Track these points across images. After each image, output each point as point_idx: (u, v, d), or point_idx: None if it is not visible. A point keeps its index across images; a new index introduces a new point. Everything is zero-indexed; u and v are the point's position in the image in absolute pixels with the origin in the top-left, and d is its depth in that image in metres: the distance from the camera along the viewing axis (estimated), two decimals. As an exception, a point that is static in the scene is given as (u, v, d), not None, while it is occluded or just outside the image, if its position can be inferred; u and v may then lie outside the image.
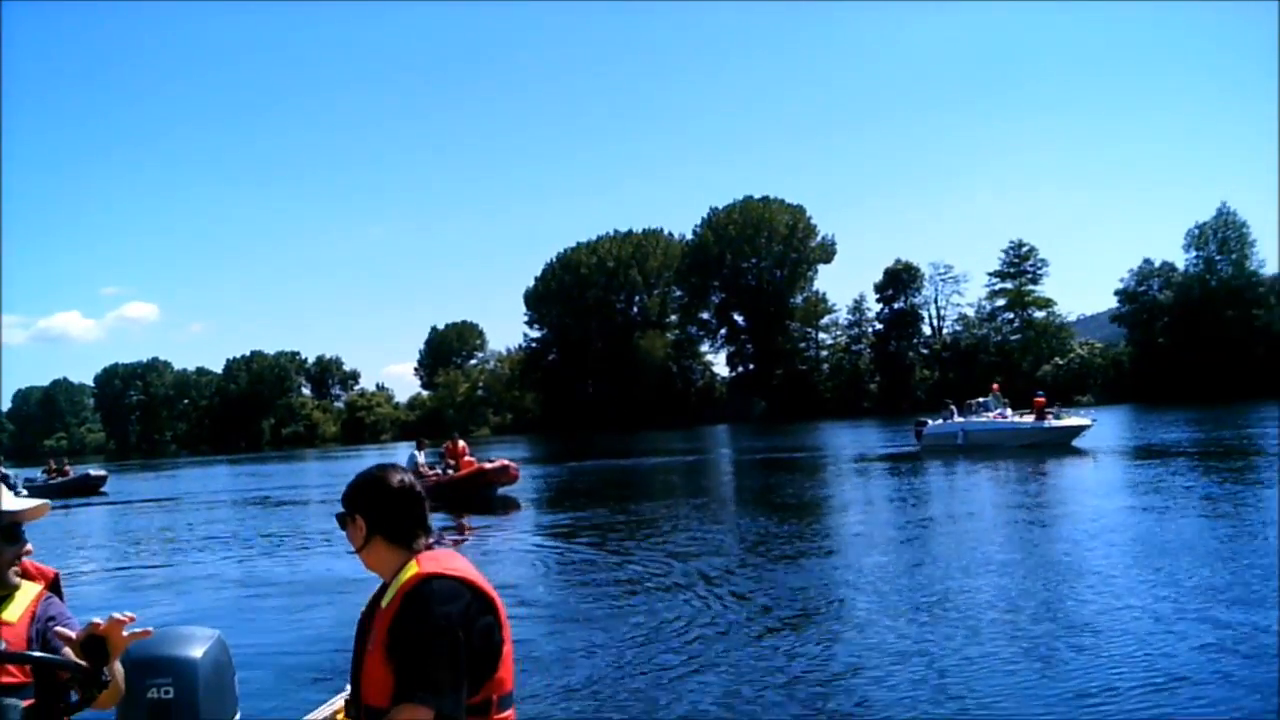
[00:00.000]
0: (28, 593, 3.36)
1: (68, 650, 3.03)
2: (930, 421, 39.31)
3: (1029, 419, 36.35)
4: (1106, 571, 12.23)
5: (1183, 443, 34.05)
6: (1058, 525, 16.79)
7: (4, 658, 3.05)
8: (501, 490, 28.94)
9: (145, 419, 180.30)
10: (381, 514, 3.18)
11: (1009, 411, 37.76)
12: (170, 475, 66.76)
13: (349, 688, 3.34)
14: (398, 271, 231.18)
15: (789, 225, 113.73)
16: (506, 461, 29.38)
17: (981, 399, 39.48)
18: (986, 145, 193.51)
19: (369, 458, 33.25)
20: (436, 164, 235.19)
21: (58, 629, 3.09)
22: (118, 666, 3.10)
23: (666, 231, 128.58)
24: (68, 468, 50.44)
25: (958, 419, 38.28)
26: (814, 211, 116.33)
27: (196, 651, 4.41)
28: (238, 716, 4.60)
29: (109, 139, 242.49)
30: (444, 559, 3.10)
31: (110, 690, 3.06)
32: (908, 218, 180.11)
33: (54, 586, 3.58)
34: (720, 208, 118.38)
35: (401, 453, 32.50)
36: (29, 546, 3.38)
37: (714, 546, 16.67)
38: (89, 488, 46.26)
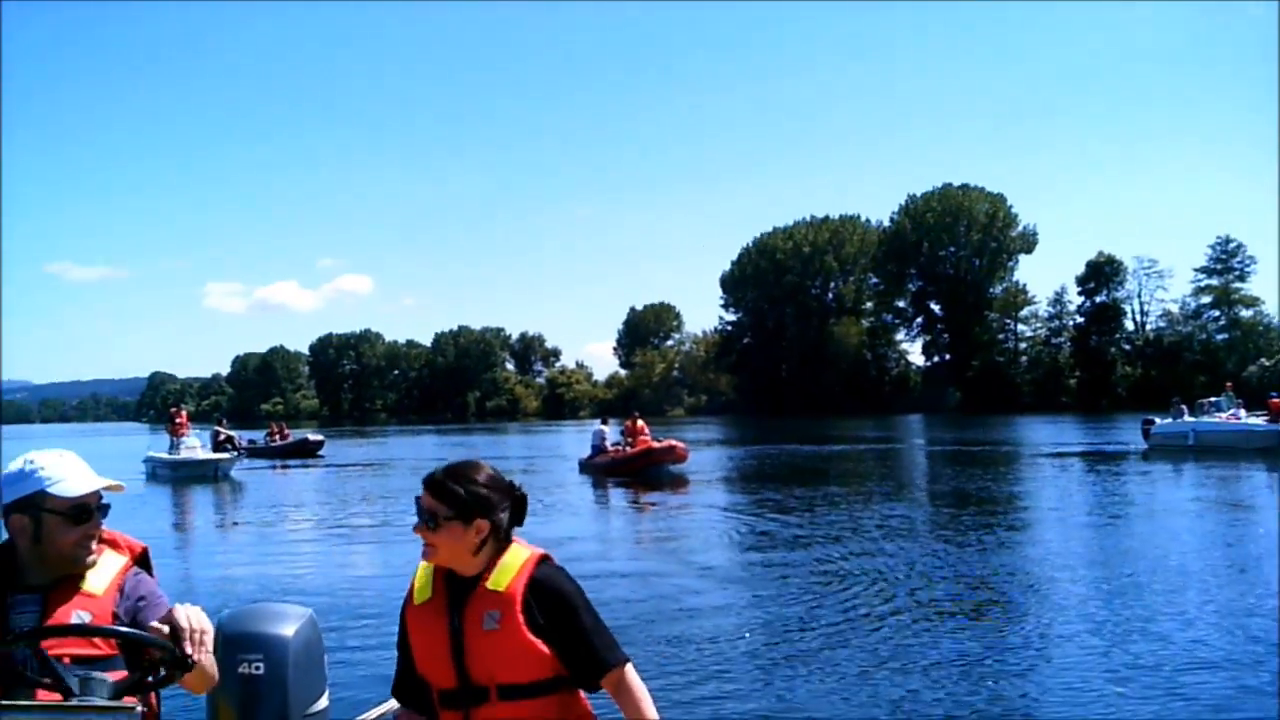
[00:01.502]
0: (112, 565, 3.29)
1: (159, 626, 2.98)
2: (1158, 420, 36.77)
3: (1263, 420, 33.38)
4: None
5: None
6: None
7: (91, 631, 2.98)
8: (674, 468, 29.43)
9: (357, 387, 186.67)
10: (506, 516, 3.20)
11: (1243, 412, 34.81)
12: (380, 442, 69.01)
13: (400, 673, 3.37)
14: (602, 252, 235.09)
15: (988, 214, 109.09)
16: (674, 442, 30.10)
17: (1214, 398, 36.36)
18: (1192, 136, 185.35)
19: (568, 433, 34.03)
20: (646, 146, 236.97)
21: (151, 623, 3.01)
22: (209, 656, 3.02)
23: (863, 218, 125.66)
24: (288, 431, 52.62)
25: (1188, 418, 35.47)
26: (1015, 200, 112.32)
27: (288, 630, 4.45)
28: (326, 693, 4.59)
29: (328, 114, 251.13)
30: (525, 542, 3.26)
31: (199, 675, 2.99)
32: (1111, 209, 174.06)
33: (143, 561, 3.45)
34: (918, 195, 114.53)
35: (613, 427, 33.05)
36: (101, 526, 3.25)
37: (891, 536, 15.53)
38: (307, 451, 48.03)
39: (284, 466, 41.65)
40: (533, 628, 3.03)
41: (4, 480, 3.18)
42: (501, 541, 3.19)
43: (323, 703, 4.51)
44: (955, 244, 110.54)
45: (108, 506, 3.27)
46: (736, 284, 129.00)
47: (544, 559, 3.18)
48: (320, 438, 51.35)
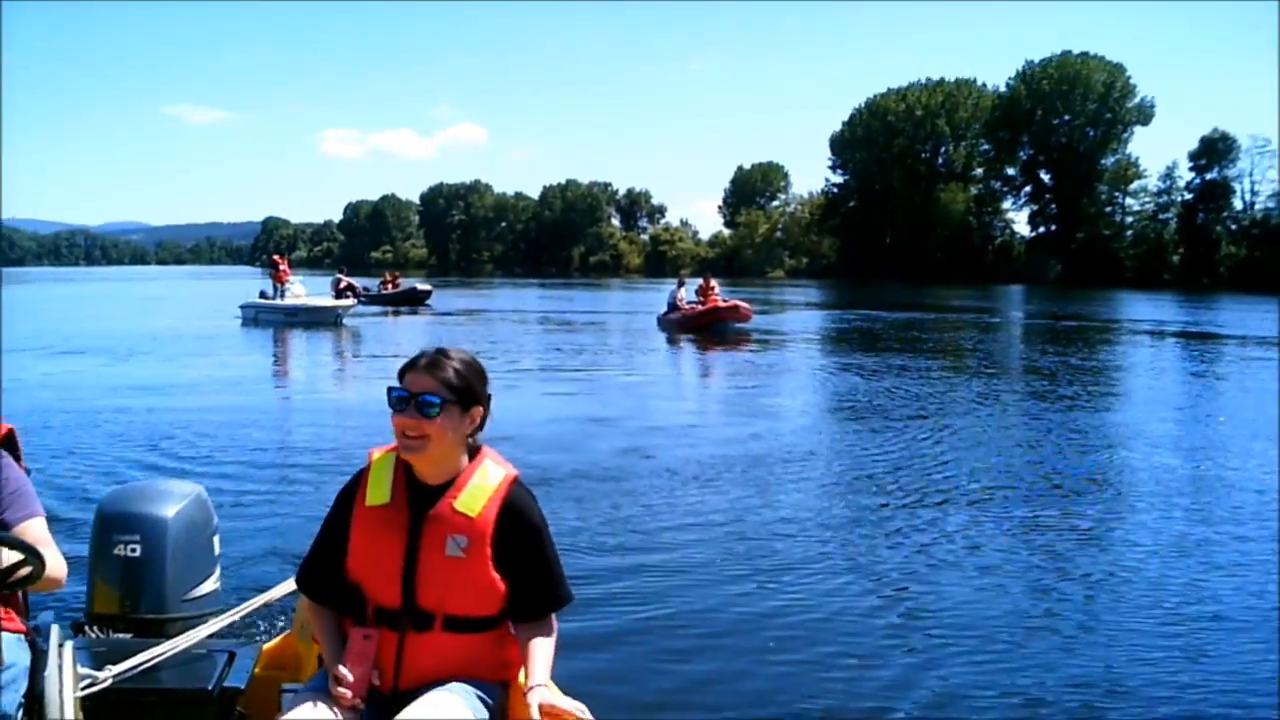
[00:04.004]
0: None
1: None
2: None
3: None
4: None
5: None
6: None
7: None
8: (738, 326, 31.72)
9: (465, 238, 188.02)
10: (488, 407, 2.91)
11: None
12: (485, 293, 70.11)
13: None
14: (712, 108, 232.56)
15: (1106, 84, 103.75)
16: (738, 302, 32.21)
17: None
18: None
19: (666, 290, 34.92)
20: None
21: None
22: (58, 558, 2.91)
23: (979, 82, 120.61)
24: (400, 280, 53.62)
25: None
26: (1134, 71, 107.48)
27: (169, 510, 4.33)
28: (215, 575, 4.48)
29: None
30: (496, 454, 2.93)
31: (49, 581, 2.85)
32: (1231, 85, 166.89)
33: (8, 444, 3.18)
34: (1036, 61, 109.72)
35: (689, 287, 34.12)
36: None
37: (948, 411, 14.82)
38: (415, 299, 49.09)
39: (394, 313, 42.89)
40: (498, 560, 2.77)
41: None
42: (472, 445, 2.90)
43: (209, 585, 4.39)
44: (1070, 112, 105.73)
45: None
46: (846, 145, 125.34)
47: (518, 479, 2.88)
48: (428, 287, 51.96)
